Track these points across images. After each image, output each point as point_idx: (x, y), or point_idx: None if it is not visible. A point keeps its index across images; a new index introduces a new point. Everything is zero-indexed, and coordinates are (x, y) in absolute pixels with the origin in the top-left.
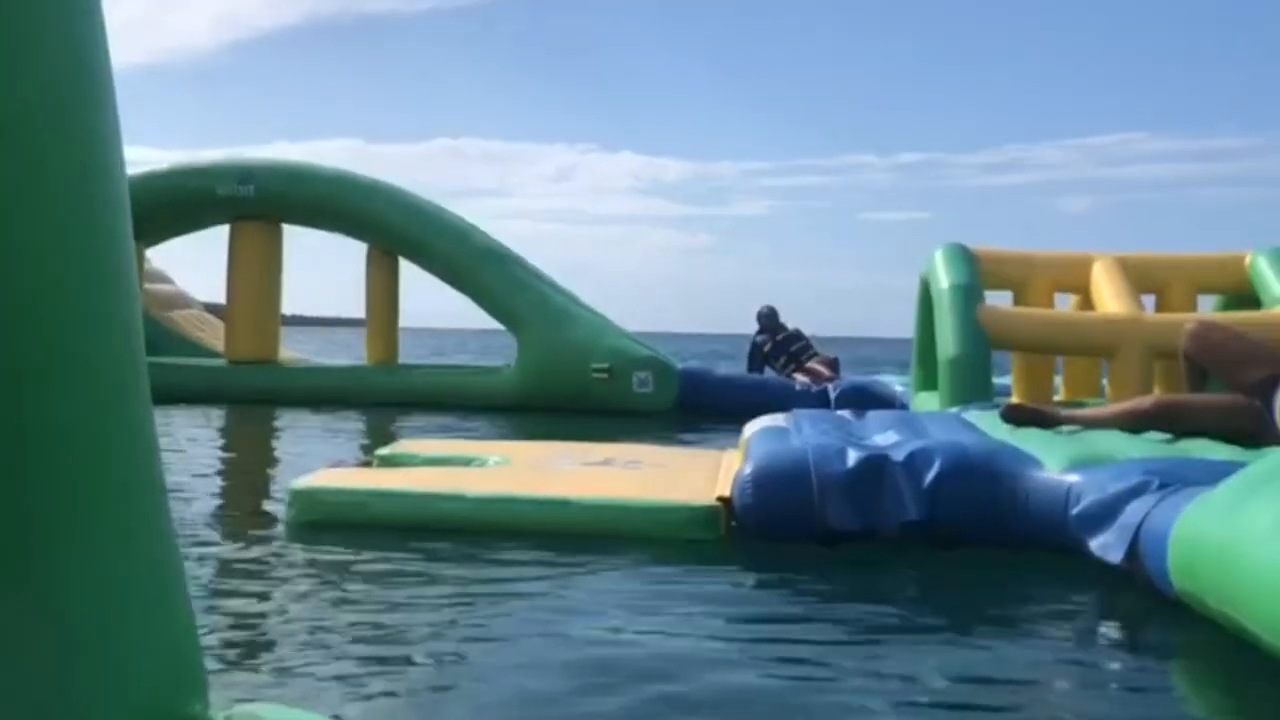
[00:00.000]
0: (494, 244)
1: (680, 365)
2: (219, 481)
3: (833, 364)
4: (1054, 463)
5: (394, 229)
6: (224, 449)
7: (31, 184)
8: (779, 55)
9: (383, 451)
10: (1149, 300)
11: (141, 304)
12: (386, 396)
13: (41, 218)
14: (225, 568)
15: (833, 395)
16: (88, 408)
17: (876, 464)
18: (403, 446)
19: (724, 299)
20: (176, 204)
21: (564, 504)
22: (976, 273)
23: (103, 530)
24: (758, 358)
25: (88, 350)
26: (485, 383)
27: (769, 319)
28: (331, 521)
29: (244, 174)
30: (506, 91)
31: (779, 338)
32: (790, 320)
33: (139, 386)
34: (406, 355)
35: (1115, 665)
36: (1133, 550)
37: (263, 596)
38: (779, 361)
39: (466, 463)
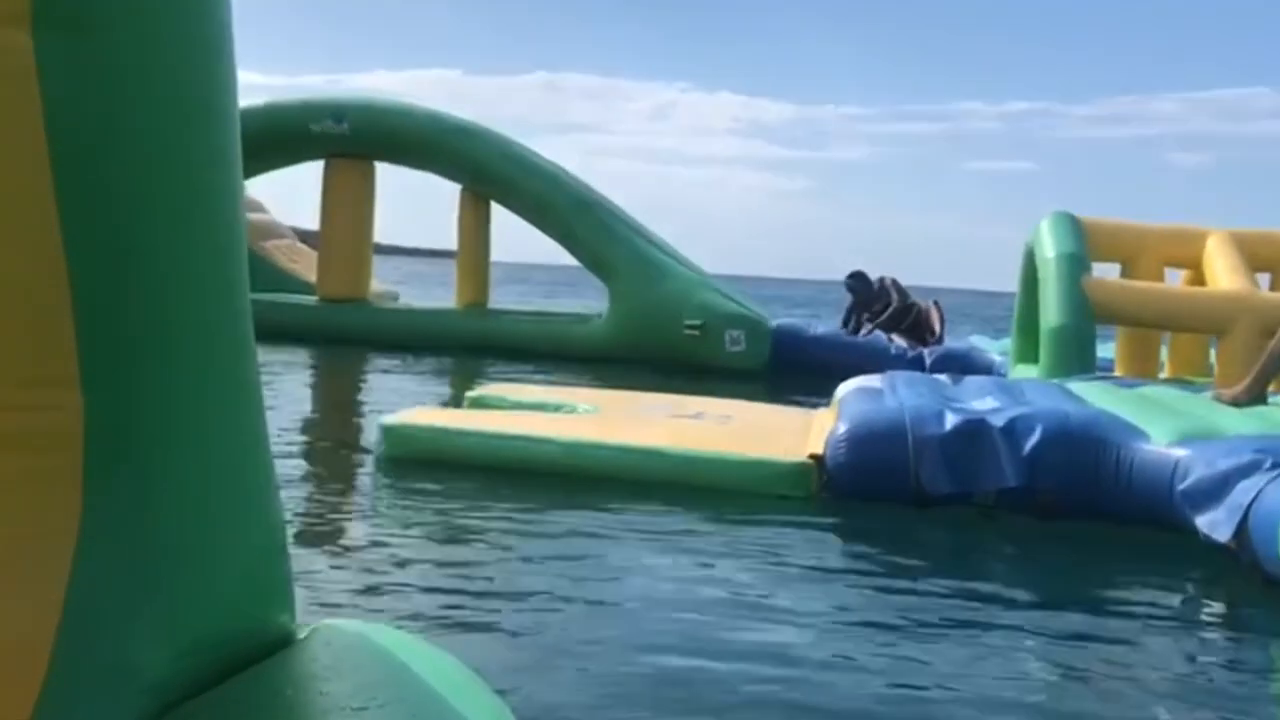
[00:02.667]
0: (587, 191)
1: (774, 323)
2: (311, 417)
3: (938, 315)
4: (1161, 435)
5: (486, 172)
6: (315, 386)
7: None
8: None
9: (472, 394)
10: (1264, 278)
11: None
12: (475, 340)
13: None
14: (314, 496)
15: (928, 360)
16: (194, 315)
17: (975, 427)
18: (492, 389)
19: (820, 245)
20: (271, 139)
21: (654, 453)
22: (1084, 242)
23: (201, 435)
24: (854, 320)
25: (197, 263)
26: (575, 332)
27: (858, 287)
28: (421, 457)
29: (338, 111)
30: (606, 26)
31: (877, 308)
32: (887, 268)
33: (241, 301)
34: (499, 293)
35: (1217, 648)
36: (1242, 529)
37: (350, 524)
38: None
39: (556, 409)
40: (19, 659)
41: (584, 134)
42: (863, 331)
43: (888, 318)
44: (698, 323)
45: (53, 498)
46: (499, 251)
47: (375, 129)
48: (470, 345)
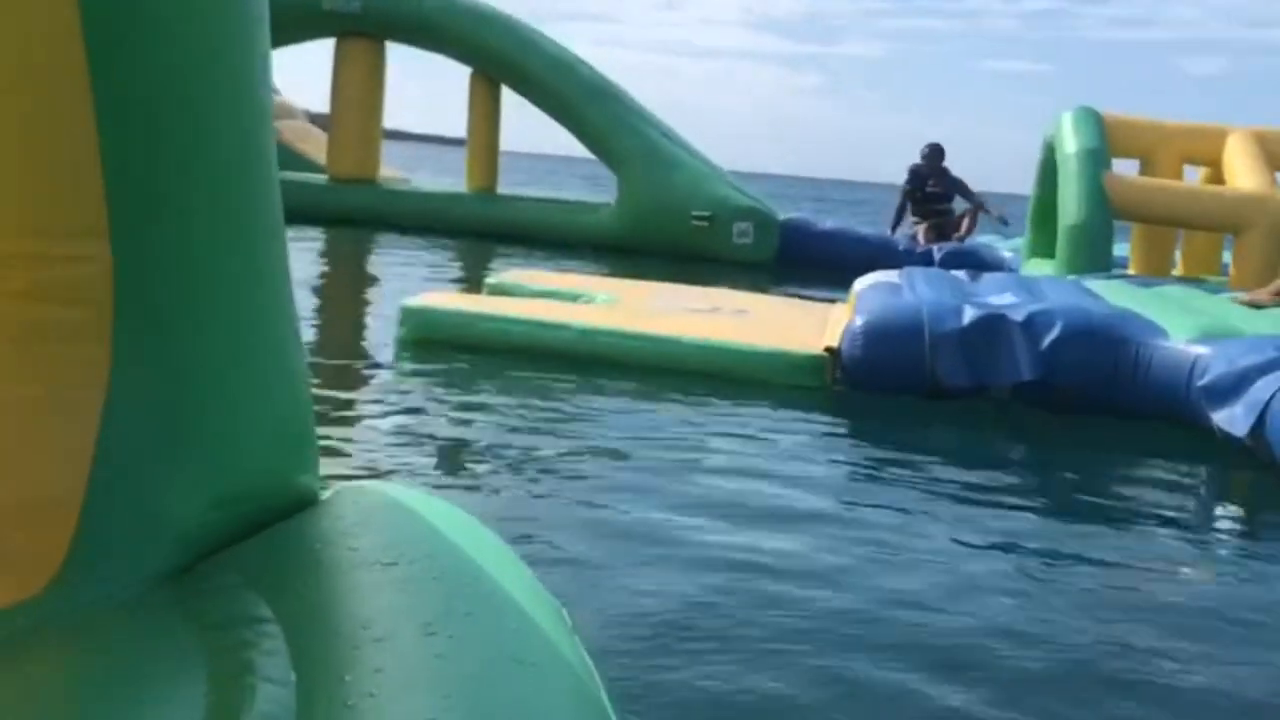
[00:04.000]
0: (601, 80)
1: (782, 217)
2: (325, 295)
3: (971, 220)
4: (1180, 332)
5: (499, 56)
6: (327, 265)
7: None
8: None
9: (491, 280)
10: None
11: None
12: (484, 225)
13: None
14: (331, 373)
15: (937, 257)
16: (222, 174)
17: (993, 322)
18: (511, 276)
19: (830, 142)
20: (281, 15)
21: (672, 342)
22: (1104, 138)
23: (228, 293)
24: (903, 209)
25: (224, 123)
26: (584, 220)
27: (931, 156)
28: (441, 340)
29: None
30: None
31: (929, 187)
32: (899, 168)
33: (268, 167)
34: (508, 181)
35: (1228, 541)
36: (1259, 426)
37: (367, 403)
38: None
39: (575, 297)
40: (49, 510)
41: (591, 23)
42: (906, 222)
43: (934, 210)
44: (706, 214)
45: (81, 350)
46: (510, 142)
47: (387, 8)
48: (478, 230)
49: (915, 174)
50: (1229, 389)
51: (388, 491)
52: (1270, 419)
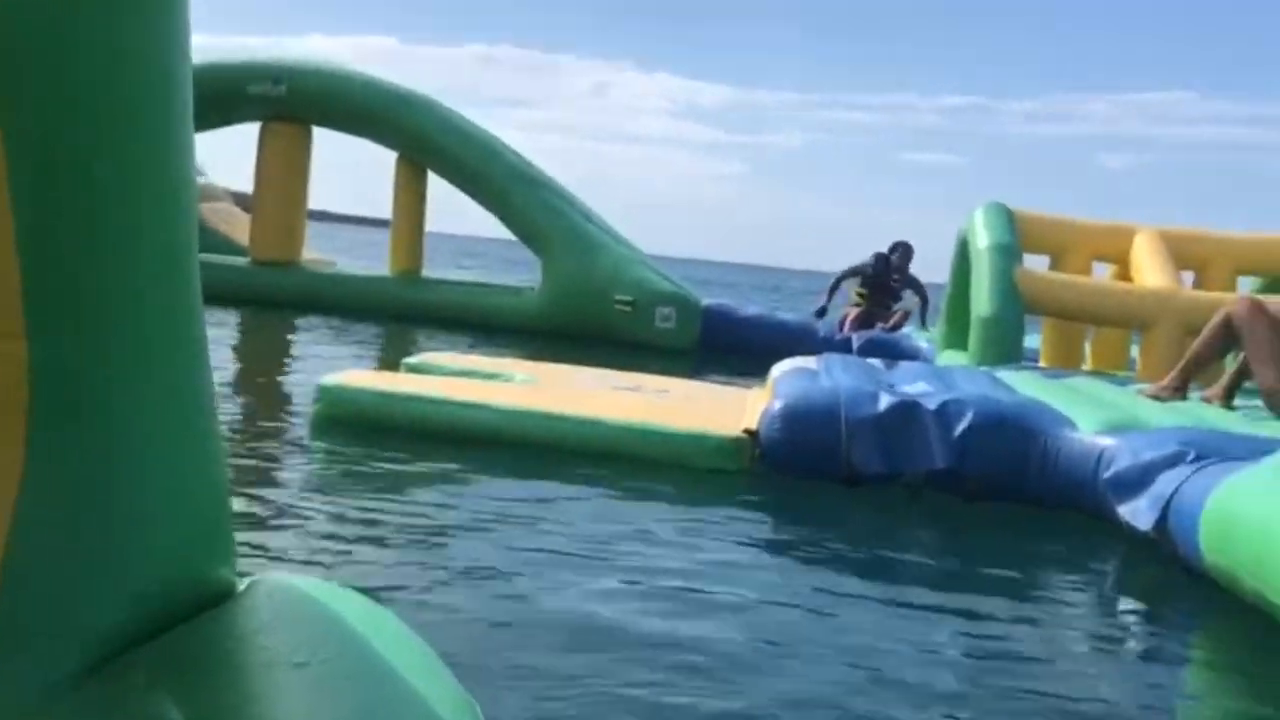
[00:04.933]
0: (525, 165)
1: (704, 303)
2: (241, 378)
3: (899, 319)
4: (1087, 424)
5: (425, 141)
6: (245, 348)
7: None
8: None
9: (410, 360)
10: (1188, 276)
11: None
12: (407, 308)
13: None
14: (245, 456)
15: (856, 344)
16: (141, 270)
17: (907, 409)
18: (430, 357)
19: (753, 229)
20: (207, 99)
21: (589, 423)
22: (1016, 234)
23: (146, 389)
24: (838, 286)
25: (145, 218)
26: (507, 303)
27: (903, 257)
28: (357, 420)
29: (277, 74)
30: (545, 1)
31: (891, 280)
32: (820, 256)
33: (189, 259)
34: (435, 264)
35: (1131, 635)
36: (1163, 520)
37: (281, 485)
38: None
39: (493, 377)
40: None
41: (519, 108)
42: (840, 297)
43: (882, 301)
44: (629, 299)
45: None
46: (439, 223)
47: (312, 93)
48: (402, 313)
49: (884, 262)
50: (1133, 482)
51: (301, 586)
52: (1172, 514)
